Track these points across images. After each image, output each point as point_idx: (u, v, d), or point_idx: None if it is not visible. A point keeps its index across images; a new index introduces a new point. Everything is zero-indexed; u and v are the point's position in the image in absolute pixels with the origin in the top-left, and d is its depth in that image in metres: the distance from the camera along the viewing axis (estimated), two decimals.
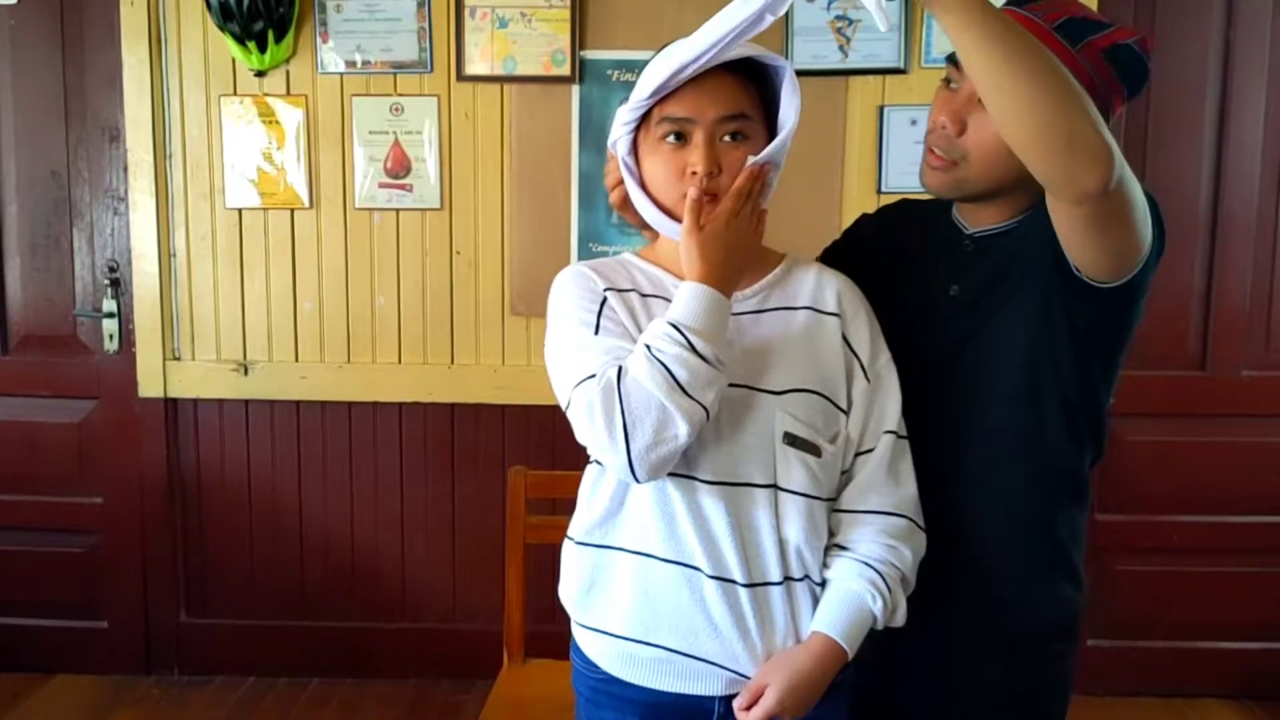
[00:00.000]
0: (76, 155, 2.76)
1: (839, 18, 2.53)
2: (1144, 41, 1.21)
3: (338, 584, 2.84)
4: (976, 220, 1.32)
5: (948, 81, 1.26)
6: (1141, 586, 2.76)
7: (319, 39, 2.62)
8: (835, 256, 1.44)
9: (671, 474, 1.14)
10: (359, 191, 2.67)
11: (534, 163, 2.64)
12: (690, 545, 1.15)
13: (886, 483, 1.21)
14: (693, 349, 1.08)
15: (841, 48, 2.54)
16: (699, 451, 1.14)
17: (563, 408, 1.15)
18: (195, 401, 2.79)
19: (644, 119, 1.20)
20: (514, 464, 2.09)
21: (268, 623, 2.86)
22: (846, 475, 1.22)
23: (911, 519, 1.21)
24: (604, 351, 1.14)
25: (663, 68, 1.14)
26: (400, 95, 2.64)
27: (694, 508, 1.15)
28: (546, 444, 2.69)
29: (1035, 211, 1.22)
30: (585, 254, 2.65)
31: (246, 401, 2.78)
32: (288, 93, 2.66)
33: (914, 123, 2.53)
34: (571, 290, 1.22)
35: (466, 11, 2.59)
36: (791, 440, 1.16)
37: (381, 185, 2.67)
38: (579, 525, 1.25)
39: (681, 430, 1.08)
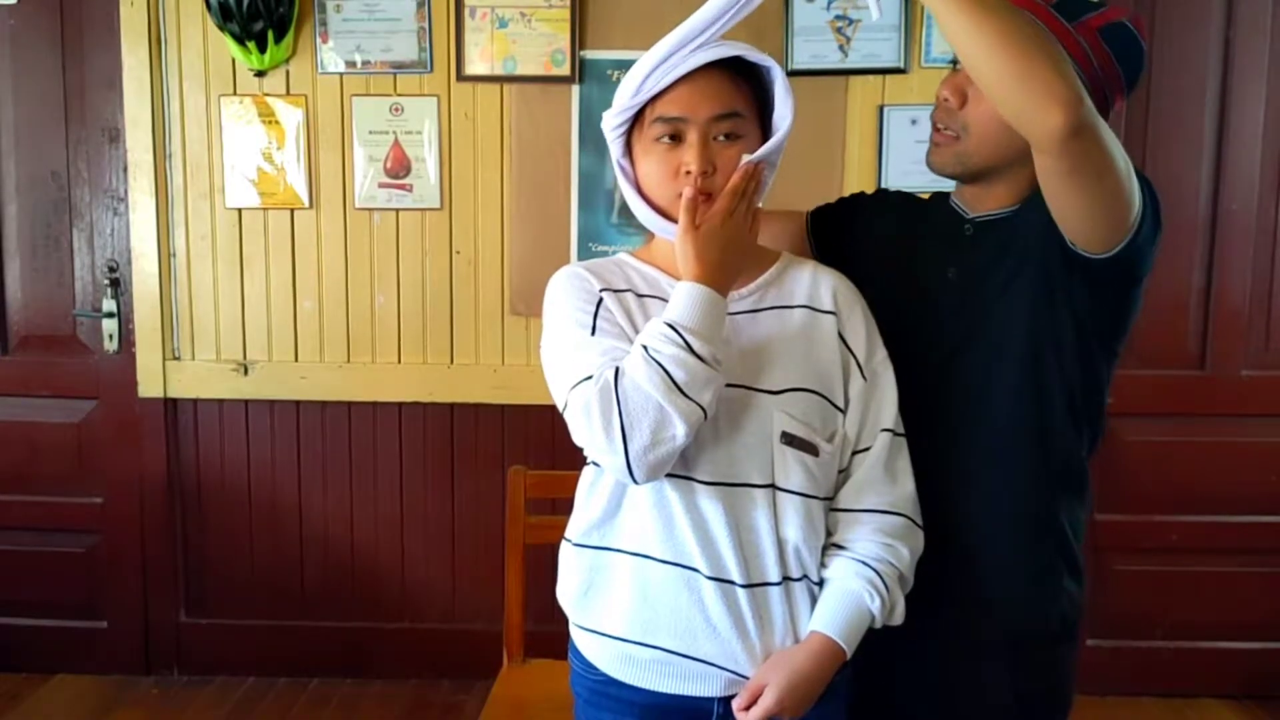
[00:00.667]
0: (76, 156, 2.76)
1: (839, 18, 2.53)
2: (1137, 20, 1.24)
3: (338, 584, 2.84)
4: (976, 205, 1.33)
5: (954, 64, 1.29)
6: (1141, 586, 2.76)
7: (319, 39, 2.62)
8: (829, 211, 1.50)
9: (669, 475, 1.14)
10: (359, 191, 2.67)
11: (534, 163, 2.64)
12: (688, 546, 1.15)
13: (884, 481, 1.21)
14: (690, 349, 1.08)
15: (841, 47, 2.54)
16: (697, 452, 1.14)
17: (560, 409, 1.15)
18: (195, 401, 2.79)
19: (637, 120, 1.20)
20: (513, 464, 2.09)
21: (268, 623, 2.86)
22: (844, 474, 1.22)
23: (909, 517, 1.21)
24: (601, 352, 1.14)
25: (649, 60, 1.15)
26: (400, 95, 2.64)
27: (692, 508, 1.15)
28: (546, 444, 2.69)
29: (1034, 199, 1.23)
30: (585, 254, 2.65)
31: (246, 401, 2.78)
32: (287, 93, 2.66)
33: (914, 122, 2.53)
34: (567, 291, 1.22)
35: (466, 11, 2.58)
36: (789, 440, 1.16)
37: (381, 185, 2.67)
38: (576, 527, 1.25)
39: (680, 431, 1.07)
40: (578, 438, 1.13)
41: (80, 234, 2.79)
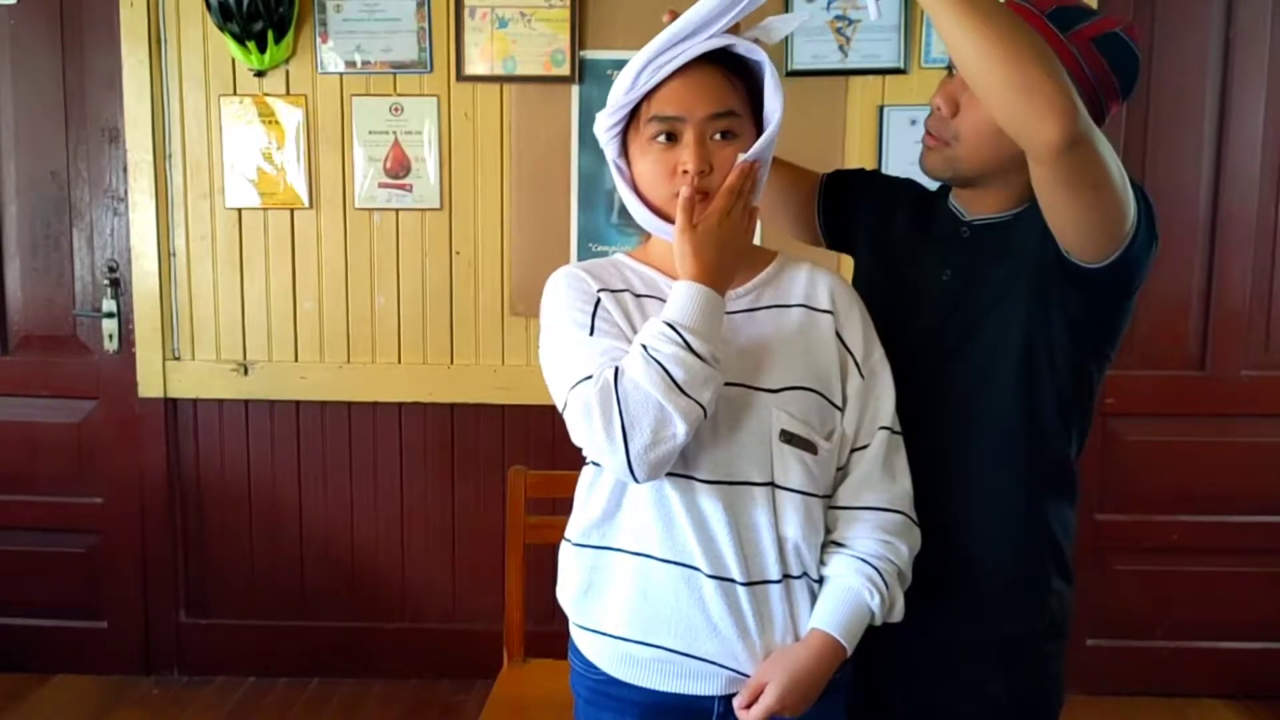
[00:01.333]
0: (76, 156, 2.76)
1: (839, 18, 2.53)
2: (1132, 30, 1.23)
3: (338, 584, 2.84)
4: (973, 208, 1.34)
5: (950, 70, 1.29)
6: (1141, 586, 2.76)
7: (319, 39, 2.62)
8: (843, 179, 1.52)
9: (669, 474, 1.14)
10: (359, 191, 2.67)
11: (534, 163, 2.64)
12: (689, 545, 1.15)
13: (882, 479, 1.21)
14: (689, 348, 1.08)
15: (841, 48, 2.54)
16: (696, 451, 1.15)
17: (559, 409, 1.15)
18: (195, 402, 2.79)
19: (632, 120, 1.20)
20: (514, 464, 2.09)
21: (268, 623, 2.86)
22: (842, 472, 1.22)
23: (907, 515, 1.22)
24: (600, 352, 1.14)
25: (643, 55, 1.16)
26: (400, 95, 2.64)
27: (692, 507, 1.15)
28: (546, 444, 2.69)
29: (1030, 207, 1.23)
30: (585, 254, 2.65)
31: (246, 401, 2.78)
32: (287, 93, 2.66)
33: (914, 123, 2.53)
34: (565, 292, 1.22)
35: (466, 11, 2.58)
36: (788, 438, 1.16)
37: (381, 185, 2.67)
38: (576, 527, 1.25)
39: (680, 429, 1.08)
40: (577, 438, 1.13)
41: (80, 234, 2.79)
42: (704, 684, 1.19)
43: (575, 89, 2.60)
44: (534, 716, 1.89)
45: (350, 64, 2.63)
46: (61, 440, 2.85)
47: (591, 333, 1.17)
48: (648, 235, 1.28)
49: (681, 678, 1.19)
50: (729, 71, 1.18)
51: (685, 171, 1.15)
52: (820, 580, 1.20)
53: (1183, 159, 2.66)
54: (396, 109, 2.64)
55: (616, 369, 1.10)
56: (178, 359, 2.76)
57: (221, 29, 2.53)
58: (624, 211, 1.28)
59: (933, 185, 1.40)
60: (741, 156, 1.15)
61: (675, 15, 1.16)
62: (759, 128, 1.20)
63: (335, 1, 2.61)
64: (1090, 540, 2.70)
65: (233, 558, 2.85)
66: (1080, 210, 1.15)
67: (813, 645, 1.16)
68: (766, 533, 1.16)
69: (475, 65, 2.61)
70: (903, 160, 2.56)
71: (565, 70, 2.58)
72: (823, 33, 2.53)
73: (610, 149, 1.23)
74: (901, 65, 2.55)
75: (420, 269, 2.70)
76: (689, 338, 1.09)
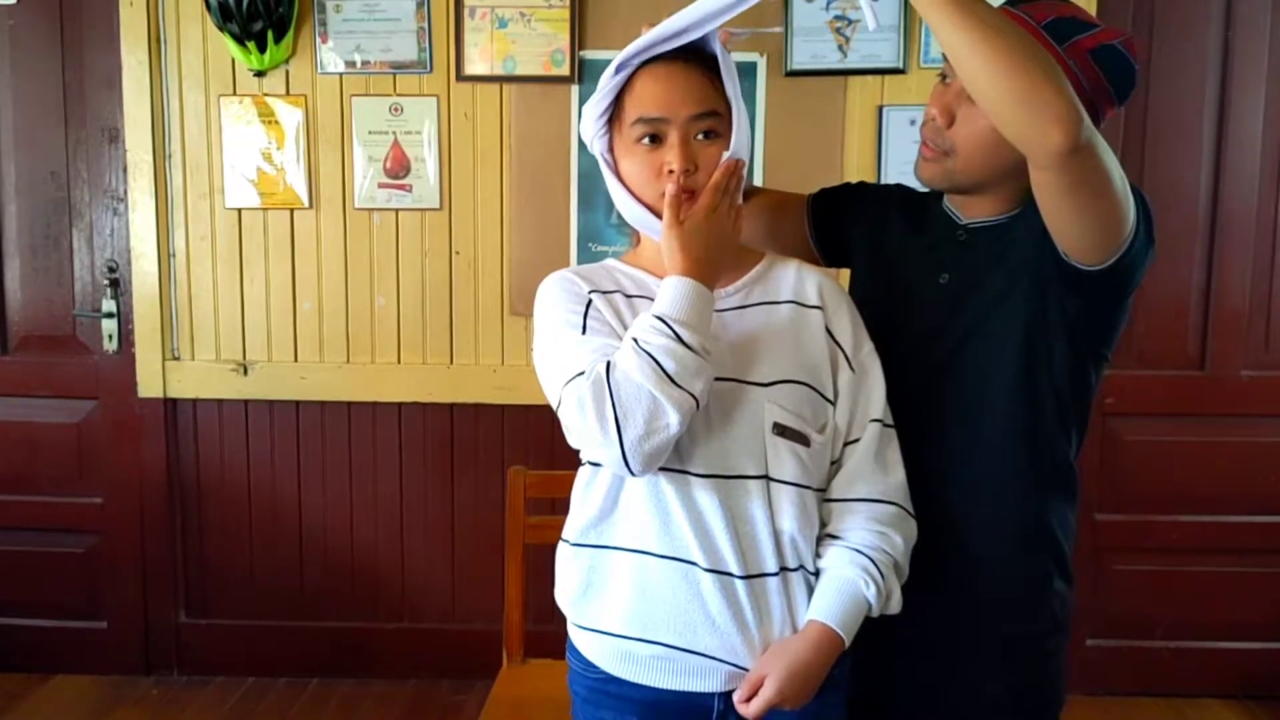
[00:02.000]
0: (76, 156, 2.76)
1: (838, 18, 2.53)
2: (1129, 43, 1.23)
3: (337, 584, 2.84)
4: (970, 212, 1.34)
5: (943, 77, 1.29)
6: (1141, 586, 2.76)
7: (318, 39, 2.62)
8: (829, 196, 1.52)
9: (664, 469, 1.15)
10: (358, 192, 2.67)
11: (534, 163, 2.64)
12: (686, 540, 1.16)
13: (875, 471, 1.22)
14: (679, 339, 1.10)
15: (841, 48, 2.54)
16: (690, 445, 1.16)
17: (554, 408, 1.16)
18: (195, 402, 2.79)
19: (616, 120, 1.22)
20: (513, 464, 2.09)
21: (267, 623, 2.86)
22: (835, 465, 1.23)
23: (901, 506, 1.23)
24: (592, 350, 1.15)
25: (629, 50, 1.17)
26: (400, 95, 2.64)
27: (688, 502, 1.16)
28: (546, 444, 2.69)
29: (1027, 209, 1.24)
30: (585, 254, 2.65)
31: (246, 402, 2.78)
32: (287, 93, 2.66)
33: (913, 123, 2.53)
34: (557, 295, 1.23)
35: (466, 11, 2.59)
36: (781, 430, 1.17)
37: (381, 185, 2.67)
38: (573, 527, 1.26)
39: (673, 420, 1.08)
40: (572, 435, 1.14)
41: (80, 234, 2.79)
42: (704, 680, 1.19)
43: (575, 89, 2.60)
44: (533, 716, 1.89)
45: (350, 64, 2.63)
46: (61, 440, 2.85)
47: (584, 332, 1.18)
48: (638, 239, 1.30)
49: (681, 674, 1.19)
50: (711, 71, 1.19)
51: (671, 171, 1.17)
52: (816, 573, 1.21)
53: (1183, 159, 2.66)
54: (396, 109, 2.64)
55: (609, 363, 1.11)
56: (177, 359, 2.76)
57: (221, 29, 2.53)
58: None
59: (923, 187, 1.40)
60: (726, 154, 1.17)
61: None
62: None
63: (335, 1, 2.61)
64: (1090, 540, 2.70)
65: (232, 558, 2.85)
66: (1081, 214, 1.16)
67: (811, 637, 1.16)
68: (763, 526, 1.16)
69: (475, 65, 2.61)
70: (902, 160, 2.56)
71: (565, 70, 2.58)
72: (822, 33, 2.53)
73: (597, 144, 1.24)
74: (900, 65, 2.55)
75: (420, 269, 2.70)
76: (679, 329, 1.10)
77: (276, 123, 2.66)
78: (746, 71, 2.53)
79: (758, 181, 2.56)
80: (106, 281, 2.77)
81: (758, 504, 1.16)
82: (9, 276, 2.82)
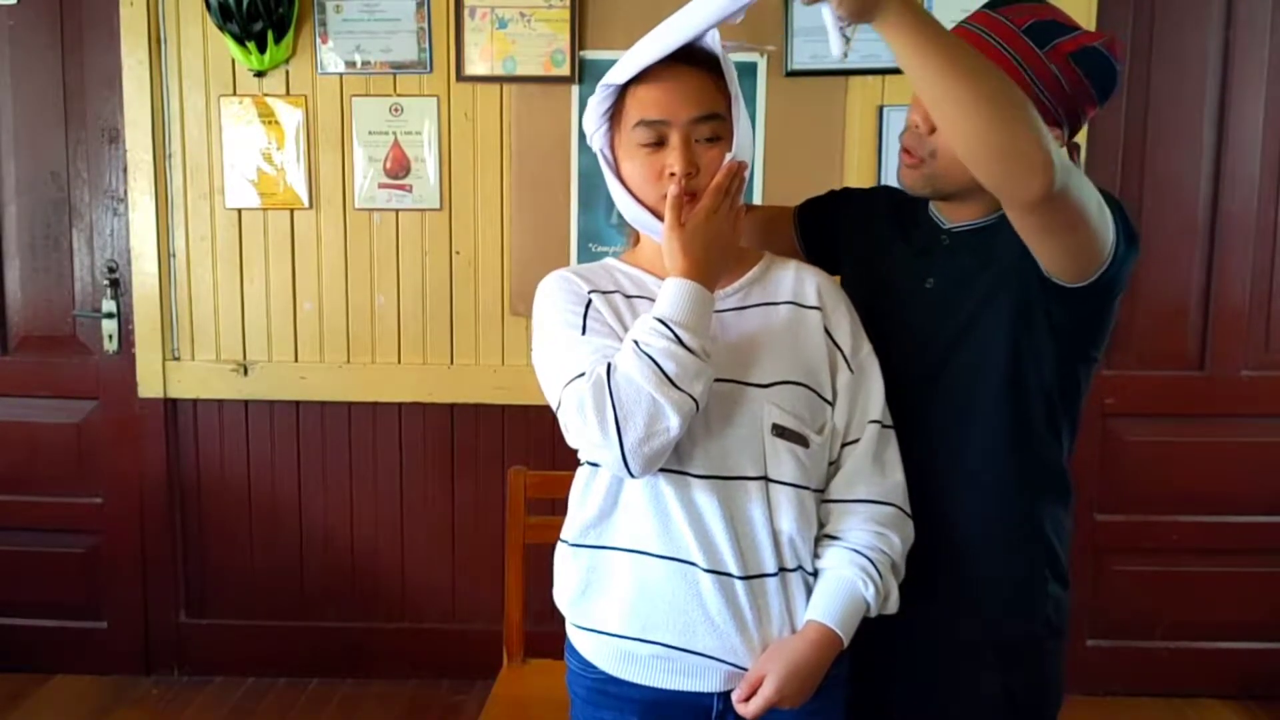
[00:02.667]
0: (76, 156, 2.76)
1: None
2: (1111, 45, 1.23)
3: (338, 584, 2.84)
4: (953, 216, 1.34)
5: None
6: (1141, 586, 2.76)
7: (318, 39, 2.62)
8: (816, 206, 1.52)
9: (664, 470, 1.15)
10: (359, 192, 2.67)
11: (534, 163, 2.64)
12: (685, 540, 1.16)
13: (873, 472, 1.22)
14: (680, 342, 1.10)
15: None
16: (690, 446, 1.16)
17: (554, 409, 1.17)
18: (195, 402, 2.79)
19: (617, 121, 1.21)
20: (514, 464, 2.09)
21: (267, 623, 2.86)
22: (834, 466, 1.23)
23: (899, 507, 1.23)
24: (592, 351, 1.15)
25: (630, 66, 1.18)
26: (400, 95, 2.64)
27: (688, 503, 1.16)
28: (546, 444, 2.69)
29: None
30: (585, 254, 2.65)
31: (246, 402, 2.78)
32: (287, 93, 2.66)
33: None
34: (556, 295, 1.23)
35: (466, 12, 2.59)
36: (780, 431, 1.17)
37: (381, 186, 2.67)
38: (572, 527, 1.26)
39: (673, 422, 1.09)
40: (572, 436, 1.14)
41: (80, 234, 2.79)
42: (703, 680, 1.19)
43: (575, 89, 2.60)
44: (534, 716, 1.89)
45: (350, 64, 2.63)
46: (61, 440, 2.85)
47: (583, 333, 1.18)
48: (637, 238, 1.30)
49: (680, 674, 1.20)
50: (713, 74, 1.19)
51: (672, 174, 1.17)
52: (815, 573, 1.21)
53: (1183, 159, 2.66)
54: (396, 109, 2.64)
55: (609, 365, 1.11)
56: (177, 359, 2.76)
57: (221, 29, 2.53)
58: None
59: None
60: (728, 157, 1.17)
61: None
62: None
63: (335, 2, 2.61)
64: (1090, 540, 2.71)
65: (232, 558, 2.85)
66: (1058, 247, 1.17)
67: (809, 637, 1.17)
68: (762, 526, 1.17)
69: (475, 65, 2.61)
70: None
71: (565, 70, 2.58)
72: (823, 33, 2.51)
73: (598, 140, 1.24)
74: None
75: (420, 269, 2.70)
76: (679, 332, 1.10)
77: (276, 123, 2.66)
78: (747, 71, 2.53)
79: (757, 181, 2.56)
80: (106, 282, 2.77)
81: (757, 505, 1.17)
82: (9, 276, 2.82)
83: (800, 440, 1.18)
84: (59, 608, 2.89)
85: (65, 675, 2.88)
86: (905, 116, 1.31)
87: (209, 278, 2.73)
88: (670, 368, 1.09)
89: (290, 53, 2.62)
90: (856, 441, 1.23)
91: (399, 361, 2.73)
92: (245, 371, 2.74)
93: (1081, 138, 1.45)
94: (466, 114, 2.64)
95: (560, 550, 1.28)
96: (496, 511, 2.50)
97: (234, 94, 2.67)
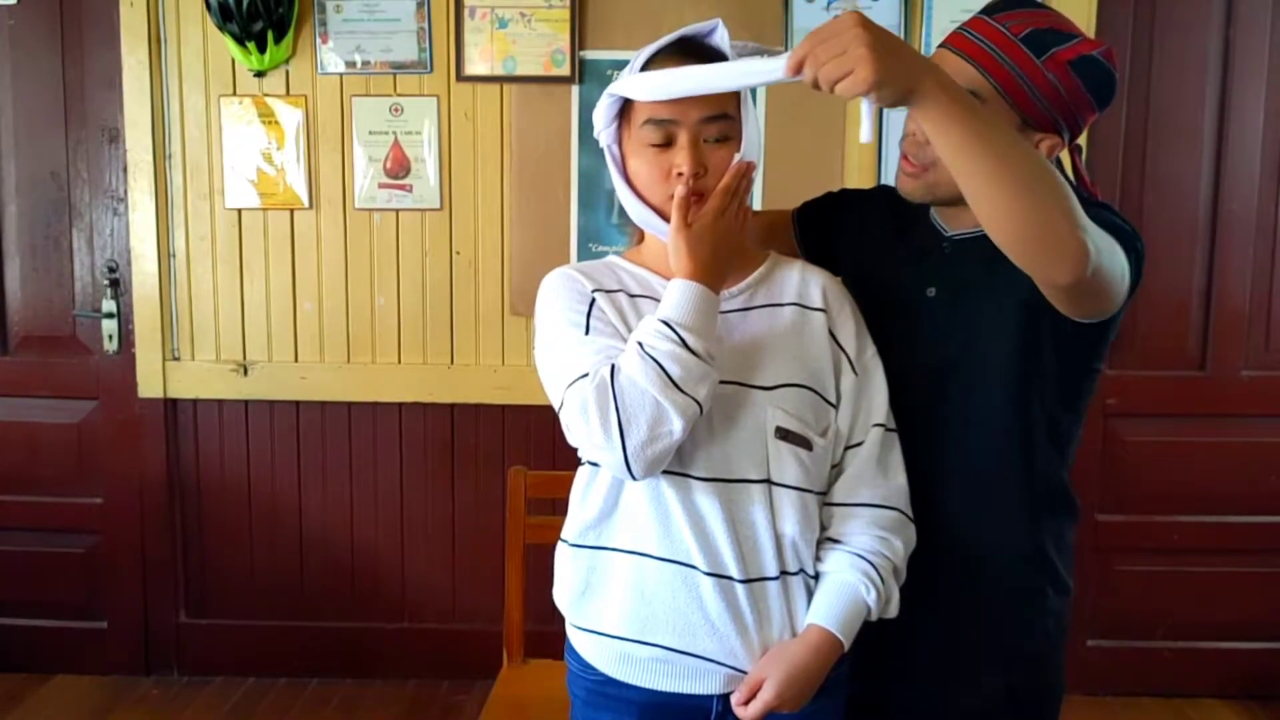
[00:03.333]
0: (76, 156, 2.76)
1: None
2: (1109, 53, 1.22)
3: (338, 584, 2.84)
4: (954, 223, 1.33)
5: None
6: (1141, 586, 2.76)
7: (319, 39, 2.62)
8: (814, 209, 1.51)
9: (666, 472, 1.15)
10: (359, 192, 2.67)
11: (534, 163, 2.64)
12: (686, 543, 1.16)
13: (876, 475, 1.22)
14: (685, 345, 1.09)
15: None
16: (692, 449, 1.15)
17: (556, 409, 1.16)
18: (195, 402, 2.79)
19: (625, 120, 1.20)
20: (514, 464, 2.09)
21: (267, 623, 2.86)
22: (836, 469, 1.23)
23: (902, 511, 1.22)
24: (595, 351, 1.15)
25: (640, 91, 1.16)
26: (400, 95, 2.64)
27: (689, 506, 1.16)
28: (546, 444, 2.69)
29: None
30: (585, 254, 2.65)
31: (246, 402, 2.78)
32: (287, 93, 2.66)
33: None
34: (559, 293, 1.22)
35: (466, 12, 2.58)
36: (783, 434, 1.17)
37: (381, 186, 2.67)
38: (572, 527, 1.25)
39: (676, 425, 1.08)
40: (573, 437, 1.13)
41: (80, 234, 2.79)
42: (702, 682, 1.19)
43: (575, 89, 2.60)
44: (534, 716, 1.89)
45: (350, 64, 2.63)
46: (61, 440, 2.85)
47: (587, 332, 1.17)
48: (640, 236, 1.29)
49: (680, 677, 1.19)
50: None
51: (680, 174, 1.16)
52: (816, 577, 1.20)
53: (1183, 159, 2.66)
54: (396, 109, 2.64)
55: (613, 366, 1.10)
56: (177, 359, 2.76)
57: (221, 29, 2.53)
58: (624, 211, 1.28)
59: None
60: (736, 157, 1.16)
61: None
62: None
63: (335, 2, 2.61)
64: (1091, 540, 2.70)
65: (232, 558, 2.85)
66: (1077, 310, 1.19)
67: (810, 641, 1.16)
68: (764, 530, 1.16)
69: (475, 65, 2.61)
70: None
71: (565, 70, 2.58)
72: None
73: (605, 136, 1.23)
74: None
75: (420, 269, 2.70)
76: (685, 335, 1.09)
77: (276, 123, 2.66)
78: None
79: (757, 181, 2.56)
80: (106, 281, 2.77)
81: (759, 508, 1.16)
82: (9, 276, 2.81)
83: (804, 443, 1.18)
84: (59, 608, 2.89)
85: (65, 675, 2.88)
86: (903, 124, 1.30)
87: (209, 278, 2.73)
88: (675, 371, 1.08)
89: (290, 53, 2.62)
90: (860, 444, 1.22)
91: (399, 361, 2.73)
92: (245, 371, 2.74)
93: (1082, 138, 1.44)
94: (466, 114, 2.64)
95: (560, 550, 1.28)
96: (496, 511, 2.50)
97: (234, 94, 2.66)
